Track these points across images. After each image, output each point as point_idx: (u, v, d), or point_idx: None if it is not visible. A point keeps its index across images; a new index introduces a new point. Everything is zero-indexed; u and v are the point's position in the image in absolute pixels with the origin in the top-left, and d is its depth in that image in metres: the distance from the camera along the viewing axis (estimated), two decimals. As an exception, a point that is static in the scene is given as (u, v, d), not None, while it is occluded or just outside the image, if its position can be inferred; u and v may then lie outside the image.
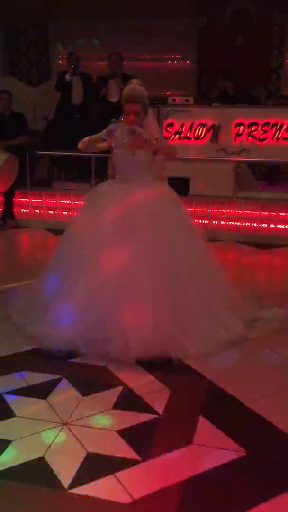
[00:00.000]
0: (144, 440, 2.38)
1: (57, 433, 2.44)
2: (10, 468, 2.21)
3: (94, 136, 3.46)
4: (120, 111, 3.48)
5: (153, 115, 3.62)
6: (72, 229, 3.57)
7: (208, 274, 3.51)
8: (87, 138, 3.49)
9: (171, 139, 6.40)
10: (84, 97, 7.36)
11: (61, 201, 6.91)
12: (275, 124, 6.27)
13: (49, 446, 2.34)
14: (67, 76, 7.32)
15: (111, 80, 7.03)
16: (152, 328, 3.09)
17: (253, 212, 6.27)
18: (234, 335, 3.36)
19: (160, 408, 2.65)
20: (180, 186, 5.14)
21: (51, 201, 6.96)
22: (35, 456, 2.28)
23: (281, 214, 6.19)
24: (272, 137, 6.29)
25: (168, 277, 3.24)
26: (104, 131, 3.38)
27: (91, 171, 6.67)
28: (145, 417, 2.57)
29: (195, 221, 4.12)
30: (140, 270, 3.20)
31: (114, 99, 6.77)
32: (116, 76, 6.95)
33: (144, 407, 2.65)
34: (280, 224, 6.19)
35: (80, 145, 3.52)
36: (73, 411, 2.62)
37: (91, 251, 3.31)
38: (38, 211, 7.02)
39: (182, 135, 6.51)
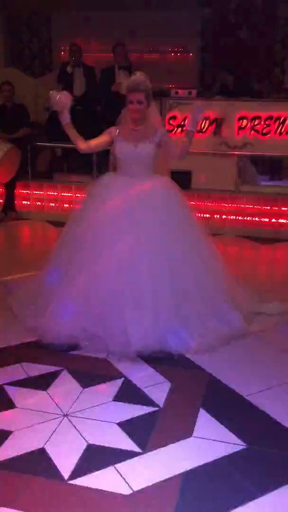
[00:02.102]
0: (144, 432, 2.39)
1: (58, 425, 2.44)
2: (11, 459, 2.21)
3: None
4: None
5: (155, 108, 3.61)
6: (73, 221, 3.56)
7: (209, 268, 3.51)
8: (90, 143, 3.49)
9: (173, 132, 6.38)
10: (86, 89, 7.31)
11: (63, 193, 6.89)
12: (278, 118, 6.23)
13: (50, 437, 2.35)
14: (69, 68, 7.28)
15: (119, 71, 6.94)
16: (152, 321, 3.09)
17: (255, 206, 6.26)
18: (235, 328, 3.36)
19: (160, 400, 2.65)
20: (182, 179, 5.12)
21: (53, 193, 6.95)
22: (35, 447, 2.28)
23: (283, 208, 6.18)
24: (275, 131, 6.26)
25: (168, 270, 3.24)
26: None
27: (93, 163, 6.65)
28: (145, 409, 2.58)
29: (197, 215, 4.10)
30: (140, 263, 3.20)
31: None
32: (129, 67, 6.86)
33: (145, 400, 2.66)
34: (282, 219, 6.18)
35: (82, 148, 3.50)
36: (74, 402, 2.62)
37: (92, 244, 3.31)
38: (40, 203, 7.01)
39: (184, 128, 6.46)
